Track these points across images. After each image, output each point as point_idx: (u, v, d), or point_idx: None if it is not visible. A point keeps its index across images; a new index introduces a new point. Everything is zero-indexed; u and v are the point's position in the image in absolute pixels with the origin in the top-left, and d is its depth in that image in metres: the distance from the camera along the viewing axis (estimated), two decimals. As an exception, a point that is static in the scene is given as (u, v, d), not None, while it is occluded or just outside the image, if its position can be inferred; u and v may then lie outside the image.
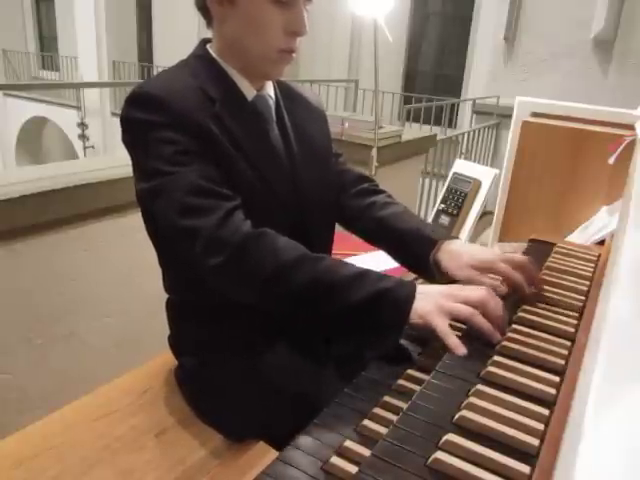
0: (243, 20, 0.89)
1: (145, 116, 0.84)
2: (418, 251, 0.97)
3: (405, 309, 0.76)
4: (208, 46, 0.97)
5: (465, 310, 0.75)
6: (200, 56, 0.96)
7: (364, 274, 0.80)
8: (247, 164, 0.90)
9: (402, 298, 0.77)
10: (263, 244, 0.81)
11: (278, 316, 0.88)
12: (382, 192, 1.12)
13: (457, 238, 0.99)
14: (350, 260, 1.01)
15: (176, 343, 1.05)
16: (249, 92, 0.96)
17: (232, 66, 0.94)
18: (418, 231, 1.00)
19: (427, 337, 0.77)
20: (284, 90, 1.05)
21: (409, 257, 1.02)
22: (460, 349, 0.71)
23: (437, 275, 0.95)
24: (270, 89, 1.01)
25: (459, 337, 0.73)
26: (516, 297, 0.86)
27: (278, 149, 0.98)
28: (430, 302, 0.76)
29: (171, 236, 0.85)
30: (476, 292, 0.78)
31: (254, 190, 0.90)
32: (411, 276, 1.14)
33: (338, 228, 1.13)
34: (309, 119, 1.06)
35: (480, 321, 0.74)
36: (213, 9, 0.90)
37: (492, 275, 0.90)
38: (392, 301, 0.77)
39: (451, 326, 0.75)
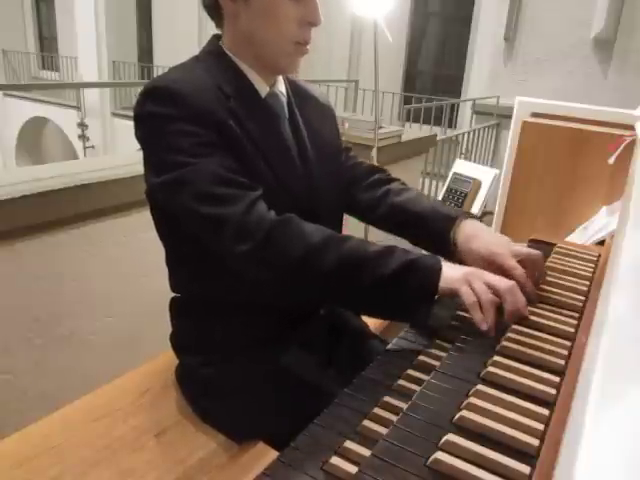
0: (258, 14, 0.89)
1: (163, 110, 0.84)
2: (437, 229, 0.98)
3: (434, 276, 0.79)
4: (220, 42, 0.96)
5: (485, 294, 0.77)
6: (213, 52, 0.95)
7: (391, 249, 0.82)
8: (261, 160, 0.90)
9: (431, 266, 0.80)
10: (290, 229, 0.82)
11: (281, 316, 0.88)
12: (395, 180, 1.12)
13: (475, 218, 0.99)
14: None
15: (178, 342, 1.04)
16: (262, 89, 0.95)
17: (245, 62, 0.94)
18: (435, 210, 1.00)
19: (435, 329, 0.78)
20: (293, 88, 1.04)
21: (429, 236, 1.01)
22: (484, 325, 0.75)
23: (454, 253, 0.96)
24: (282, 86, 1.00)
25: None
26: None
27: (291, 147, 0.97)
28: (458, 272, 0.79)
29: (196, 226, 0.85)
30: (504, 282, 0.79)
31: (267, 186, 0.89)
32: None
33: (344, 224, 1.13)
34: (319, 116, 1.06)
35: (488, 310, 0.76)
36: (226, 6, 0.90)
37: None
38: (421, 269, 0.80)
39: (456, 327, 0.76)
